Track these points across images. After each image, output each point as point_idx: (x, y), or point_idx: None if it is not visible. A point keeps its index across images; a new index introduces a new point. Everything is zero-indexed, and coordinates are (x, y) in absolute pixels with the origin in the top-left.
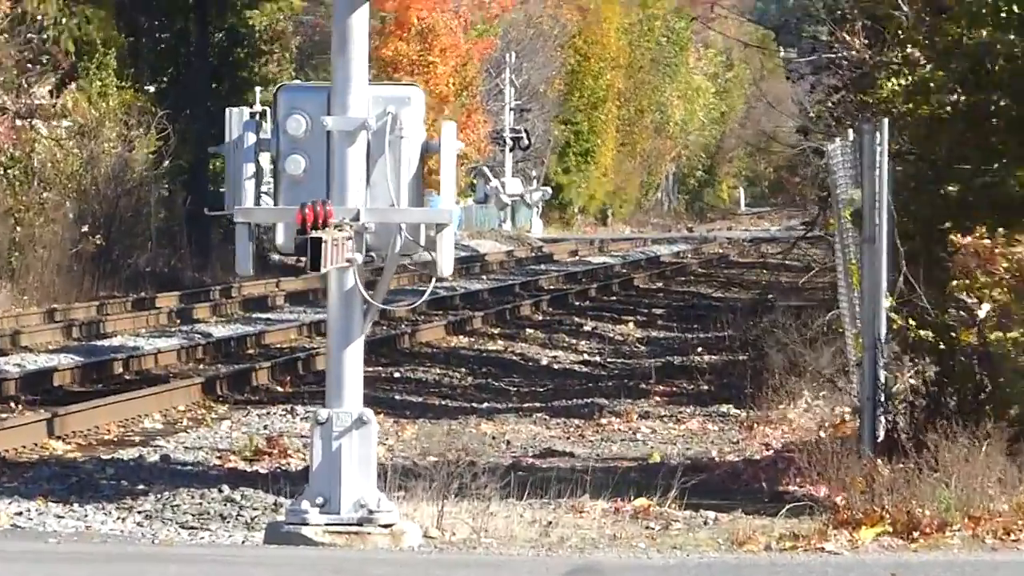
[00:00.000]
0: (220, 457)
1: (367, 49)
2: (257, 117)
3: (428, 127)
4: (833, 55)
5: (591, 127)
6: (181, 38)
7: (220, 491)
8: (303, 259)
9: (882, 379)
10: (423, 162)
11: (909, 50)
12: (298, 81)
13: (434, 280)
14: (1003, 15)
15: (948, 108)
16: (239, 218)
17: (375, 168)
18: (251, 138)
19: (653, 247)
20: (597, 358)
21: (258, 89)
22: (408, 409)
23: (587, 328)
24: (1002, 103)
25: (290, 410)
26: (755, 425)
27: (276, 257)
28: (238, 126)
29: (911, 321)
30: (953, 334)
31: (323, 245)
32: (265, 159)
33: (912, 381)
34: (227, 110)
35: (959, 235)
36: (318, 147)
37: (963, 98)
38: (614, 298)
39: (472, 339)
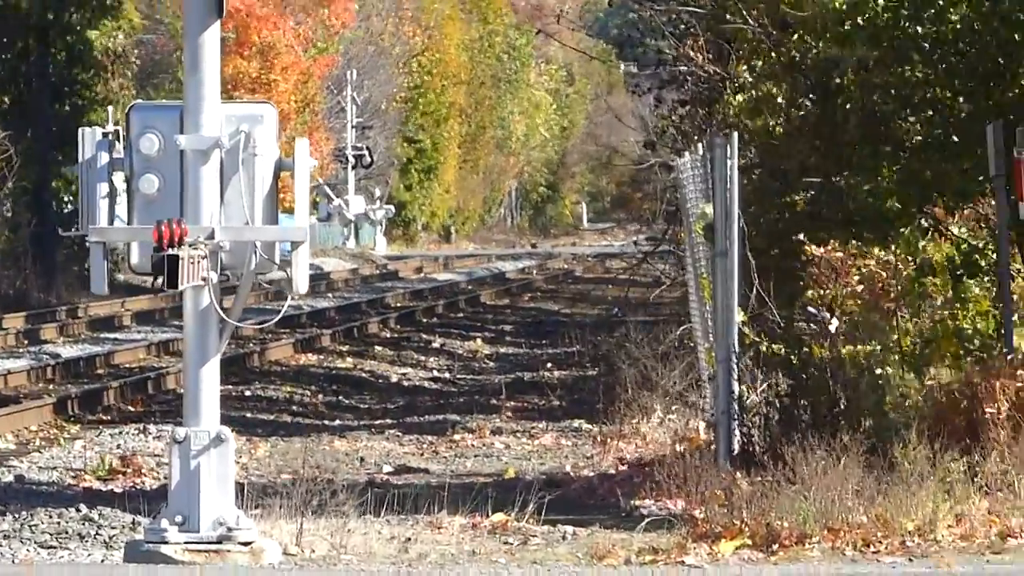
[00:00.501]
0: (75, 476)
1: (219, 67)
2: (110, 137)
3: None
4: (677, 69)
5: (434, 144)
6: (21, 58)
7: (78, 510)
8: (160, 278)
9: (736, 392)
10: (277, 180)
11: (754, 63)
12: (145, 100)
13: (289, 297)
14: (849, 27)
15: (796, 121)
16: (93, 238)
17: (229, 186)
18: (104, 158)
19: (498, 263)
20: (447, 375)
21: (110, 108)
22: (260, 427)
23: (435, 345)
24: (850, 115)
25: (142, 429)
26: (608, 440)
27: (121, 277)
28: (91, 146)
29: (763, 335)
30: (805, 347)
31: (180, 262)
32: (119, 178)
33: (766, 394)
34: (80, 130)
35: (812, 247)
36: (172, 166)
37: (811, 110)
38: (461, 315)
39: (321, 357)
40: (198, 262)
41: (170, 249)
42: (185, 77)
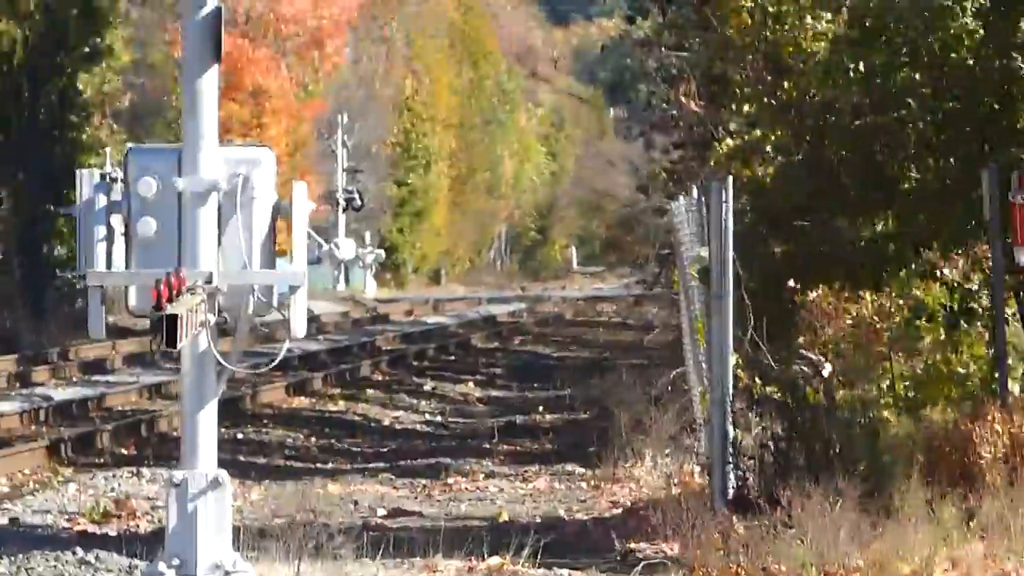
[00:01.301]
0: (69, 520)
1: (217, 111)
2: (108, 179)
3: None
4: (669, 113)
5: (424, 187)
6: (11, 101)
7: (74, 553)
8: (158, 336)
9: (731, 435)
10: (274, 223)
11: (747, 109)
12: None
13: (287, 341)
14: (850, 73)
15: (789, 164)
16: (92, 281)
17: (227, 230)
18: (102, 200)
19: (488, 306)
20: (439, 418)
21: (108, 149)
22: (253, 471)
23: (427, 388)
24: (845, 158)
25: (136, 472)
26: (602, 484)
27: (111, 319)
28: (89, 188)
29: (757, 378)
30: (800, 390)
31: (178, 321)
32: (117, 221)
33: (761, 437)
34: (77, 172)
35: (805, 290)
36: (169, 209)
37: (807, 153)
38: (452, 358)
39: (313, 400)
40: (196, 309)
41: (169, 307)
42: (183, 120)
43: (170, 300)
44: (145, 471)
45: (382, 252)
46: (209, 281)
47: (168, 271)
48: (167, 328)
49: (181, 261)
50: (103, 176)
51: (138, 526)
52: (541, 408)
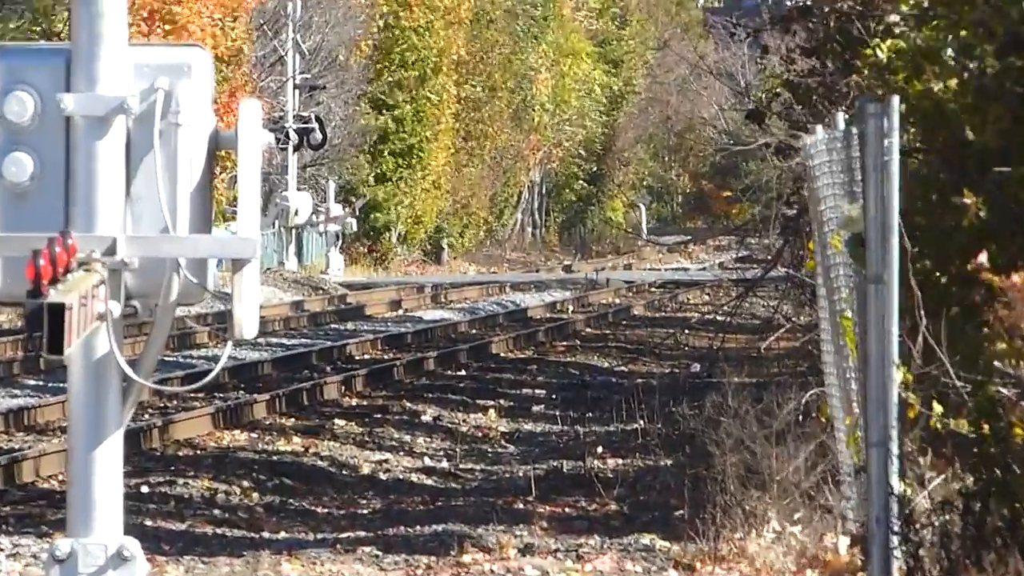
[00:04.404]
0: None
1: None
2: None
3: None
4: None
5: (417, 113)
6: None
7: None
8: (37, 335)
9: (897, 491)
10: (212, 165)
11: None
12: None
13: (229, 343)
14: None
15: (988, 77)
16: None
17: (139, 173)
18: None
19: (514, 295)
20: (445, 463)
21: None
22: (167, 541)
23: (426, 418)
24: None
25: None
26: (698, 564)
27: None
28: None
29: (935, 405)
30: (1001, 423)
31: (67, 313)
32: None
33: (942, 494)
34: None
35: (1006, 271)
36: (53, 141)
37: (1010, 64)
38: (462, 373)
39: (254, 435)
40: (92, 295)
41: (52, 291)
42: (73, 5)
43: (54, 281)
44: (4, 541)
45: (351, 211)
46: (112, 252)
47: (51, 236)
48: (50, 323)
49: (70, 221)
50: None
51: None
52: (600, 449)
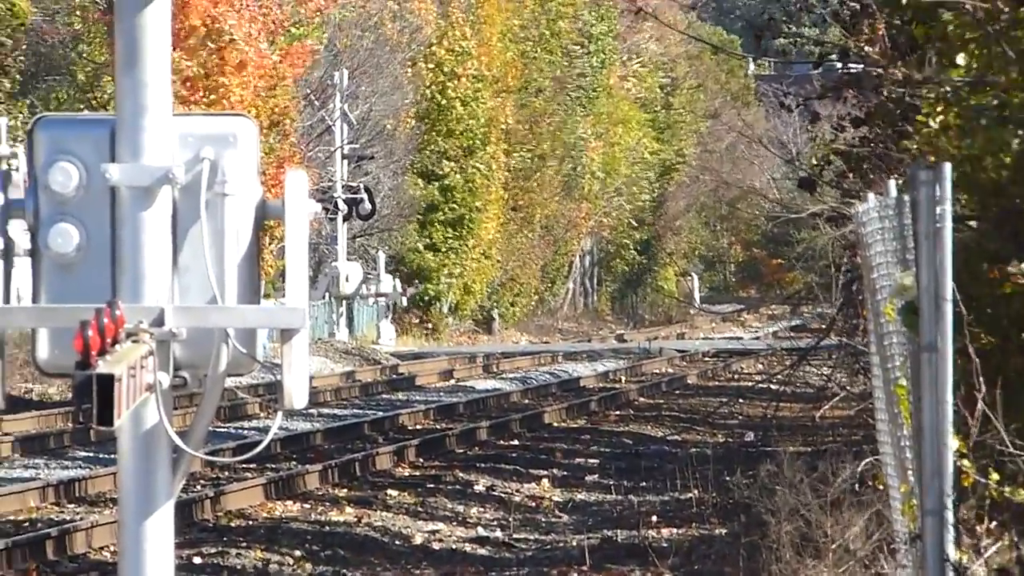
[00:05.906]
0: None
1: (169, 61)
2: (5, 165)
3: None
4: (843, 71)
5: (466, 183)
6: None
7: None
8: (86, 407)
9: (953, 559)
10: (258, 234)
11: (968, 59)
12: (54, 113)
13: (280, 414)
14: None
15: None
16: None
17: (186, 243)
18: None
19: (567, 365)
20: (498, 533)
21: (3, 120)
22: None
23: (479, 488)
24: None
25: None
26: None
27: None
28: None
29: (992, 474)
30: None
31: (116, 385)
32: (17, 229)
33: (1001, 564)
34: None
35: None
36: (99, 211)
37: None
38: (515, 443)
39: (306, 506)
40: (139, 367)
41: (100, 362)
42: (117, 76)
43: (102, 352)
44: None
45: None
46: (160, 323)
47: (98, 307)
48: (99, 394)
49: (116, 292)
50: None
51: None
52: (655, 518)
